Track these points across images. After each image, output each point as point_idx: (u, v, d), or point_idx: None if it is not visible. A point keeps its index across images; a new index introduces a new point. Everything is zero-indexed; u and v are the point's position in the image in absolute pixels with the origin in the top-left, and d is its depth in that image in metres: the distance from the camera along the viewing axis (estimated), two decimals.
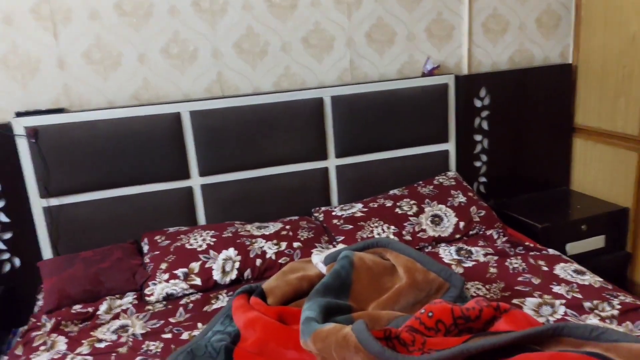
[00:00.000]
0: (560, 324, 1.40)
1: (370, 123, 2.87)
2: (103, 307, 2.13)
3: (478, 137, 3.10)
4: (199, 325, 2.02)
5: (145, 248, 2.48)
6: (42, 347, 1.91)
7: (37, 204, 2.45)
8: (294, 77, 2.83)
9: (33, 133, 2.37)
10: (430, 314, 1.57)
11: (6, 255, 2.47)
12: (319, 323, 1.60)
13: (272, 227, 2.57)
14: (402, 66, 3.00)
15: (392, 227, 2.59)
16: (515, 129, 3.15)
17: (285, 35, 2.76)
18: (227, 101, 2.65)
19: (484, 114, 3.06)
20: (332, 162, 2.88)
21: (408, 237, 2.55)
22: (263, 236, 2.47)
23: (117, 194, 2.56)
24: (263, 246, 2.41)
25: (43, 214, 2.46)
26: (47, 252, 2.50)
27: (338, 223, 2.65)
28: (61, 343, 1.93)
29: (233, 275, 2.32)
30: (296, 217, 2.74)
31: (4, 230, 2.45)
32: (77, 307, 2.13)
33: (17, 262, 2.49)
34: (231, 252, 2.36)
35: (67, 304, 2.15)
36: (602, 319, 1.83)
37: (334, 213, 2.74)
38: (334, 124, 2.83)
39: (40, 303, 2.28)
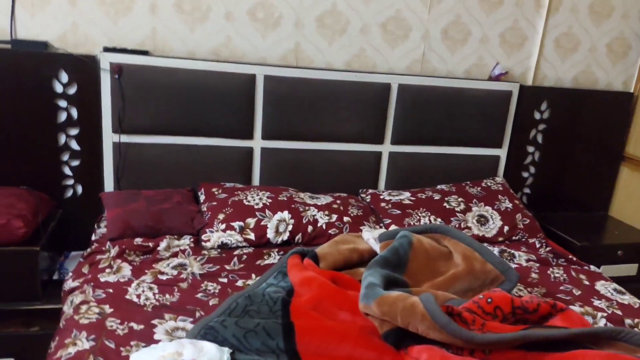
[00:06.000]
0: (618, 328, 1.48)
1: (431, 116, 2.94)
2: (163, 245, 2.22)
3: (531, 149, 3.16)
4: (253, 276, 2.11)
5: (202, 197, 2.57)
6: (107, 270, 2.02)
7: (109, 138, 2.55)
8: (367, 59, 2.90)
9: (117, 69, 2.46)
10: (489, 299, 1.65)
11: (70, 182, 2.58)
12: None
13: (324, 199, 2.66)
14: (470, 67, 3.06)
15: (439, 219, 2.66)
16: (568, 147, 3.22)
17: (366, 17, 2.83)
18: (301, 72, 2.73)
19: (541, 127, 3.12)
20: (386, 148, 2.96)
21: None
22: (315, 205, 2.56)
23: (183, 141, 2.65)
24: (315, 215, 2.50)
25: (112, 148, 2.56)
26: (109, 184, 2.60)
27: (386, 207, 2.72)
28: (126, 269, 2.04)
29: (285, 236, 2.41)
30: (344, 195, 2.83)
31: (73, 157, 2.55)
32: (138, 240, 2.22)
33: (79, 189, 2.60)
34: (285, 214, 2.45)
35: (129, 235, 2.24)
36: None
37: (381, 197, 2.82)
38: (396, 112, 2.90)
39: (100, 231, 2.38)
